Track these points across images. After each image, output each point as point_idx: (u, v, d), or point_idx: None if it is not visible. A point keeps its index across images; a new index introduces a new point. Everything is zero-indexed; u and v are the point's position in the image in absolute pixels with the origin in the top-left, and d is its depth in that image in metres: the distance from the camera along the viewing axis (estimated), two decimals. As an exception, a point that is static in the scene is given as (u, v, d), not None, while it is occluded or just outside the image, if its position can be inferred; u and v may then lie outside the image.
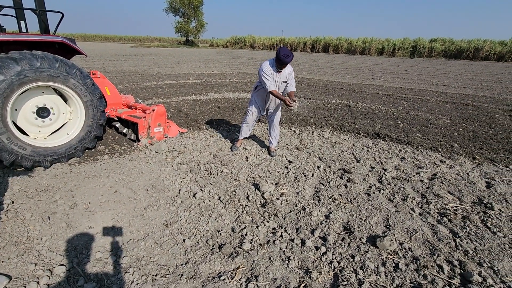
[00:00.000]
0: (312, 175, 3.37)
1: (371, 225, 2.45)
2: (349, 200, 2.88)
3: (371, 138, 4.81)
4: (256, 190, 2.99)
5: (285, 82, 3.58)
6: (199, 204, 2.71)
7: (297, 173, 3.42)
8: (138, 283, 1.81)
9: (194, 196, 2.84)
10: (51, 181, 3.02)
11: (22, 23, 3.50)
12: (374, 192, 3.02)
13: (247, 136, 4.18)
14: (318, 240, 2.26)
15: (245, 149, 4.15)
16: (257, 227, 2.40)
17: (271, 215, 2.57)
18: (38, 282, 1.78)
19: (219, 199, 2.82)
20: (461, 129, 5.33)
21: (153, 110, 4.07)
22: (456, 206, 2.76)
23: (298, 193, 2.97)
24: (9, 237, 2.17)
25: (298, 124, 5.44)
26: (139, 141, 4.10)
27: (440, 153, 4.16)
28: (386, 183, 3.22)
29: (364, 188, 3.13)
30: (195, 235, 2.28)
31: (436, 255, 2.11)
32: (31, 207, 2.55)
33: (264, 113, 3.94)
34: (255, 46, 44.88)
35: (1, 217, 2.38)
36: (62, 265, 1.93)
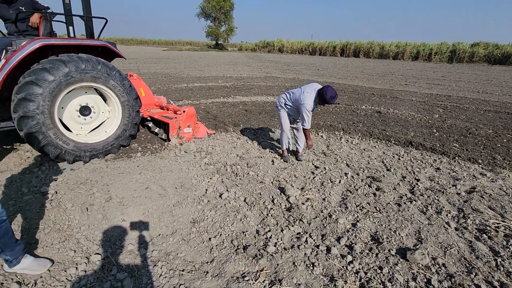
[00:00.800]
0: (339, 182, 3.30)
1: (401, 236, 2.35)
2: (378, 209, 2.78)
3: (403, 146, 4.61)
4: (282, 194, 2.98)
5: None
6: (225, 204, 2.77)
7: (324, 179, 3.37)
8: (166, 277, 1.88)
9: (220, 196, 2.90)
10: (90, 175, 3.24)
11: (71, 28, 3.80)
12: (405, 203, 2.89)
13: (288, 147, 4.02)
14: (344, 248, 2.21)
15: (271, 152, 4.16)
16: (282, 230, 2.39)
17: (296, 220, 2.55)
18: (76, 268, 1.91)
19: (244, 200, 2.85)
20: (505, 140, 4.93)
21: (184, 111, 4.22)
22: (497, 223, 2.56)
23: (324, 199, 2.92)
24: (53, 224, 2.36)
25: (325, 129, 5.36)
26: (169, 140, 4.26)
27: (480, 165, 3.88)
28: (418, 194, 3.07)
29: (394, 198, 3.01)
30: (220, 235, 2.32)
31: (474, 273, 1.97)
32: (71, 198, 2.75)
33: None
34: (283, 50, 44.91)
35: (46, 206, 2.60)
36: (97, 253, 2.06)
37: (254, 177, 3.35)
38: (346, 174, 3.51)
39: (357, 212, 2.70)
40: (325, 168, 3.67)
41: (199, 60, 23.13)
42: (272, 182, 3.26)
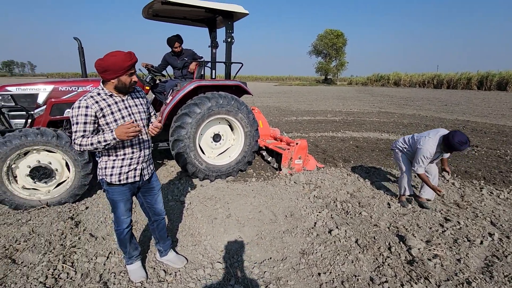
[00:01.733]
0: (481, 243, 2.66)
1: None
2: (546, 290, 2.07)
3: None
4: (401, 242, 2.65)
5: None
6: (334, 241, 2.67)
7: (458, 235, 2.79)
8: (276, 301, 1.95)
9: (329, 232, 2.82)
10: (214, 192, 3.77)
11: (213, 72, 4.74)
12: None
13: (408, 192, 3.51)
14: (491, 330, 1.74)
15: (387, 194, 3.79)
16: (402, 285, 2.10)
17: (420, 277, 2.20)
18: (204, 270, 2.23)
19: (356, 241, 2.68)
20: None
21: (297, 144, 4.44)
22: None
23: (459, 260, 2.41)
24: (188, 229, 2.86)
25: (458, 176, 4.50)
26: (280, 170, 4.53)
27: None
28: None
29: None
30: (330, 272, 2.24)
31: None
32: (201, 210, 3.27)
33: None
34: (400, 84, 41.31)
35: (183, 213, 3.19)
36: (219, 262, 2.35)
37: (367, 219, 3.12)
38: (491, 234, 2.81)
39: (510, 287, 2.09)
40: (458, 222, 3.05)
41: (307, 94, 24.01)
42: (388, 228, 2.95)
